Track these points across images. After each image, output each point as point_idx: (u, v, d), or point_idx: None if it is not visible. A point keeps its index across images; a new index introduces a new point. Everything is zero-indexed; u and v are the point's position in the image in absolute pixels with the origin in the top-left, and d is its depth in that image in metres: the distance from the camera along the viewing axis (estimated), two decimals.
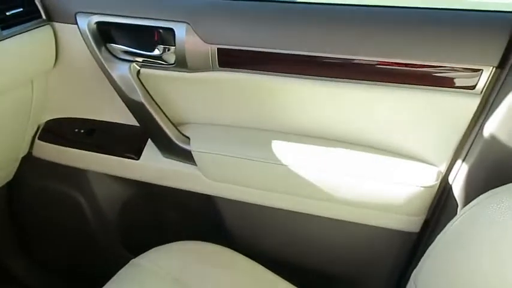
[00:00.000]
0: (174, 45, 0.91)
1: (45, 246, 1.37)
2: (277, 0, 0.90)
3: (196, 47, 0.90)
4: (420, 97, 0.84)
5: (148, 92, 1.01)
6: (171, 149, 1.05)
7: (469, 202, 0.64)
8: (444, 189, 0.92)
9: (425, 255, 0.71)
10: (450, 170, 0.91)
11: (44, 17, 0.97)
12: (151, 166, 1.09)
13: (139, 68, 0.98)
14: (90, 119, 1.14)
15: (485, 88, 0.79)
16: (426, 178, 0.89)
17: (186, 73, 0.95)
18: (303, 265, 1.14)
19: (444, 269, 0.63)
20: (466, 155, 0.85)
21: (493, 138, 0.77)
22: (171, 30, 0.91)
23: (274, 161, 0.96)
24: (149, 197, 1.19)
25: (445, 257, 0.64)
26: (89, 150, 1.12)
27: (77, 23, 0.96)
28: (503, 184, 0.62)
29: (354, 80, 0.86)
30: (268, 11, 0.89)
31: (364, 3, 0.87)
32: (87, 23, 0.95)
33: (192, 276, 0.92)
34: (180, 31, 0.90)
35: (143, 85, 1.00)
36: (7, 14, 0.89)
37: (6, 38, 0.88)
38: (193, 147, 1.02)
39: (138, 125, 1.07)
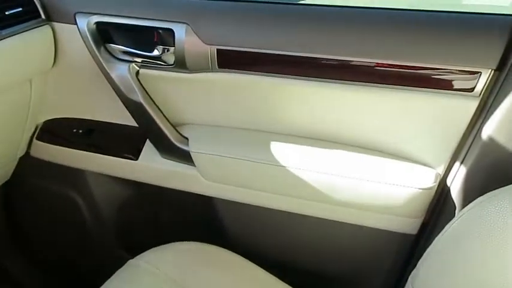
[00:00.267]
0: (174, 46, 0.91)
1: (42, 246, 1.37)
2: (277, 1, 0.90)
3: (195, 48, 0.91)
4: (419, 99, 0.84)
5: (147, 93, 1.01)
6: (169, 149, 1.05)
7: (467, 204, 0.64)
8: (442, 191, 0.92)
9: (423, 257, 0.71)
10: (448, 172, 0.91)
11: (43, 16, 0.97)
12: (150, 167, 1.09)
13: (138, 68, 0.98)
14: (88, 119, 1.14)
15: (483, 90, 0.79)
16: (424, 180, 0.89)
17: (185, 74, 0.95)
18: (300, 266, 1.14)
19: (442, 271, 0.63)
20: (465, 157, 0.85)
21: (491, 141, 0.77)
22: (171, 30, 0.91)
23: (272, 162, 0.96)
24: (147, 197, 1.19)
25: (443, 259, 0.64)
26: (87, 151, 1.12)
27: (76, 23, 0.96)
28: (502, 186, 0.62)
29: (353, 82, 0.86)
30: (267, 13, 0.89)
31: (363, 5, 0.87)
32: (86, 23, 0.95)
33: (189, 276, 0.92)
34: (180, 32, 0.90)
35: (142, 85, 1.00)
36: (6, 13, 0.89)
37: (5, 38, 0.88)
38: (191, 148, 1.01)
39: (136, 125, 1.07)
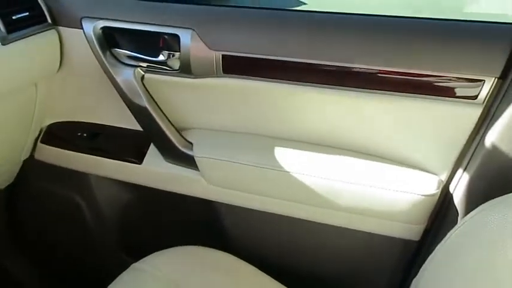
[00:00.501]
0: (179, 51, 0.92)
1: (44, 248, 1.37)
2: (282, 8, 0.91)
3: (201, 53, 0.91)
4: (423, 106, 0.84)
5: (152, 97, 1.01)
6: (173, 154, 1.05)
7: (470, 211, 0.64)
8: (445, 198, 0.92)
9: (425, 263, 0.71)
10: (451, 179, 0.91)
11: (49, 21, 0.98)
12: (154, 171, 1.09)
13: (143, 73, 0.99)
14: (93, 123, 1.15)
15: (487, 98, 0.80)
16: (427, 187, 0.90)
17: (190, 79, 0.96)
18: (302, 271, 1.14)
19: (444, 278, 0.63)
20: (467, 164, 0.86)
21: (494, 148, 0.77)
22: (176, 36, 0.91)
23: (276, 167, 0.96)
24: (150, 201, 1.19)
25: (445, 266, 0.64)
26: (91, 154, 1.13)
27: (82, 28, 0.97)
28: (504, 194, 0.62)
29: (356, 89, 0.87)
30: (273, 19, 0.90)
31: (368, 12, 0.88)
32: (92, 27, 0.96)
33: (192, 281, 0.92)
34: (186, 37, 0.91)
35: (147, 90, 1.00)
36: (13, 17, 0.90)
37: (12, 42, 0.88)
38: (195, 152, 1.02)
39: (141, 129, 1.08)
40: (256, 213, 1.06)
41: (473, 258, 0.58)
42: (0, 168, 1.12)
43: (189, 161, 1.04)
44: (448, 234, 0.66)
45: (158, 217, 1.22)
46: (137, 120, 1.05)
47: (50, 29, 0.98)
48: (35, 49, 0.95)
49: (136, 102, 1.00)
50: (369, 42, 0.83)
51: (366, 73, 0.84)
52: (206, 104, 1.02)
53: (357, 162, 0.95)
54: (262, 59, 0.89)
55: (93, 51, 0.97)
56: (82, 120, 1.15)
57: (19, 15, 0.91)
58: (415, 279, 0.74)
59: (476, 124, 0.83)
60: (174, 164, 1.07)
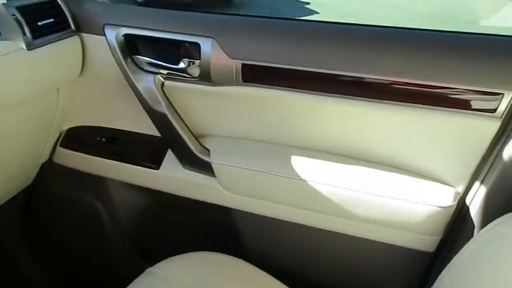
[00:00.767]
0: (199, 59, 0.94)
1: (59, 251, 1.39)
2: (302, 19, 0.92)
3: (221, 62, 0.92)
4: (441, 118, 0.85)
5: (171, 104, 1.03)
6: (191, 160, 1.06)
7: (486, 224, 0.64)
8: (461, 210, 0.92)
9: (440, 275, 0.71)
10: (468, 191, 0.91)
11: (72, 27, 1.00)
12: (171, 176, 1.10)
13: (163, 80, 1.00)
14: (111, 128, 1.16)
15: (506, 112, 0.80)
16: (443, 198, 0.90)
17: (209, 86, 0.97)
18: (317, 280, 1.14)
19: None
20: (485, 177, 0.86)
21: None
22: (197, 44, 0.93)
23: (292, 175, 0.97)
24: (166, 206, 1.20)
25: (461, 278, 0.64)
26: (109, 159, 1.14)
27: (104, 35, 0.99)
28: None
29: (376, 100, 0.87)
30: (292, 29, 0.91)
31: (387, 24, 0.89)
32: (114, 34, 0.97)
33: (206, 286, 0.93)
34: (206, 46, 0.92)
35: (167, 97, 1.02)
36: (39, 24, 0.92)
37: (37, 47, 0.91)
38: (213, 159, 1.03)
39: (158, 135, 1.09)
40: (272, 221, 1.06)
41: (490, 272, 0.58)
42: (19, 170, 1.14)
43: (205, 168, 1.05)
44: (465, 247, 0.66)
45: (174, 222, 1.23)
46: (156, 126, 1.06)
47: (73, 35, 1.00)
48: (59, 55, 0.97)
49: (155, 109, 1.02)
50: (389, 54, 0.84)
51: (384, 84, 0.85)
52: (224, 111, 1.03)
53: (373, 172, 0.95)
54: (281, 68, 0.90)
55: (114, 57, 0.99)
56: (101, 125, 1.17)
57: (44, 22, 0.93)
58: None
59: (495, 137, 0.83)
60: (191, 170, 1.08)
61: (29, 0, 0.93)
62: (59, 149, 1.19)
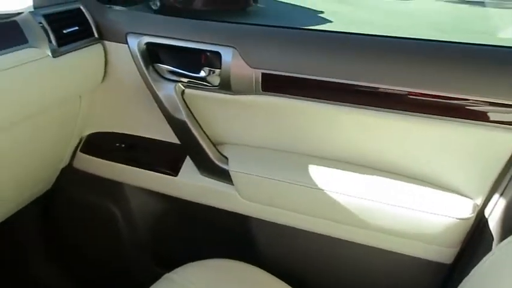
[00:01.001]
0: (220, 68, 0.95)
1: (77, 255, 1.40)
2: (321, 30, 0.93)
3: (241, 71, 0.94)
4: (460, 130, 0.85)
5: (191, 112, 1.04)
6: (209, 167, 1.07)
7: (505, 237, 0.64)
8: (480, 222, 0.92)
9: (459, 287, 0.71)
10: (487, 204, 0.91)
11: (96, 35, 1.02)
12: (189, 183, 1.11)
13: (184, 88, 1.01)
14: (131, 135, 1.18)
15: None
16: (462, 210, 0.89)
17: (229, 95, 0.98)
18: None
19: None
20: (504, 189, 0.85)
21: None
22: (218, 53, 0.94)
23: (310, 185, 0.97)
24: (184, 213, 1.21)
25: None
26: (128, 165, 1.15)
27: (127, 43, 1.00)
28: None
29: (395, 111, 0.87)
30: (312, 39, 0.92)
31: (407, 35, 0.89)
32: (137, 43, 0.99)
33: None
34: (227, 55, 0.93)
35: (187, 105, 1.03)
36: (64, 32, 0.94)
37: (62, 54, 0.93)
38: (231, 167, 1.04)
39: (177, 142, 1.10)
40: (289, 230, 1.07)
41: (510, 285, 0.58)
42: (39, 175, 1.16)
43: (224, 175, 1.06)
44: (483, 260, 0.66)
45: (191, 229, 1.24)
46: (175, 133, 1.08)
47: (96, 43, 1.02)
48: (82, 62, 0.99)
49: (175, 116, 1.03)
50: (408, 66, 0.84)
51: (404, 95, 0.85)
52: (244, 120, 1.04)
53: (391, 183, 0.95)
54: (301, 78, 0.91)
55: (136, 65, 1.01)
56: (121, 131, 1.19)
57: (69, 30, 0.96)
58: None
59: None
60: (209, 177, 1.09)
61: (55, 9, 0.95)
62: (79, 154, 1.21)
